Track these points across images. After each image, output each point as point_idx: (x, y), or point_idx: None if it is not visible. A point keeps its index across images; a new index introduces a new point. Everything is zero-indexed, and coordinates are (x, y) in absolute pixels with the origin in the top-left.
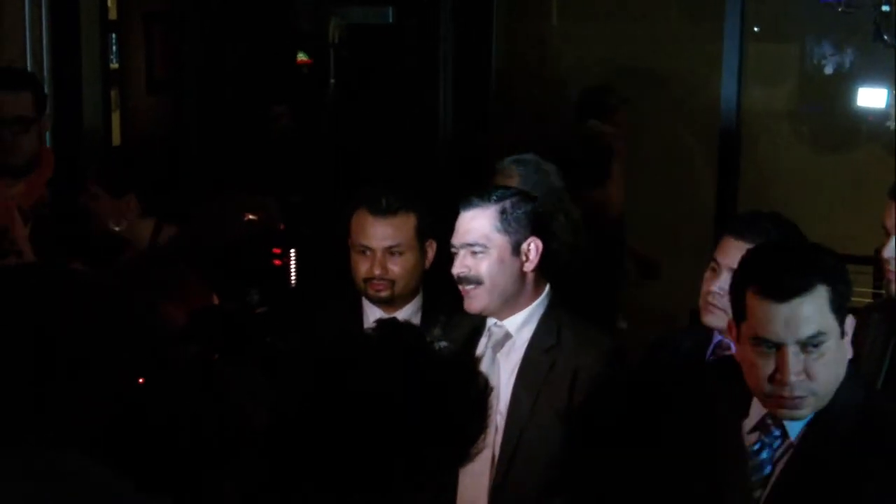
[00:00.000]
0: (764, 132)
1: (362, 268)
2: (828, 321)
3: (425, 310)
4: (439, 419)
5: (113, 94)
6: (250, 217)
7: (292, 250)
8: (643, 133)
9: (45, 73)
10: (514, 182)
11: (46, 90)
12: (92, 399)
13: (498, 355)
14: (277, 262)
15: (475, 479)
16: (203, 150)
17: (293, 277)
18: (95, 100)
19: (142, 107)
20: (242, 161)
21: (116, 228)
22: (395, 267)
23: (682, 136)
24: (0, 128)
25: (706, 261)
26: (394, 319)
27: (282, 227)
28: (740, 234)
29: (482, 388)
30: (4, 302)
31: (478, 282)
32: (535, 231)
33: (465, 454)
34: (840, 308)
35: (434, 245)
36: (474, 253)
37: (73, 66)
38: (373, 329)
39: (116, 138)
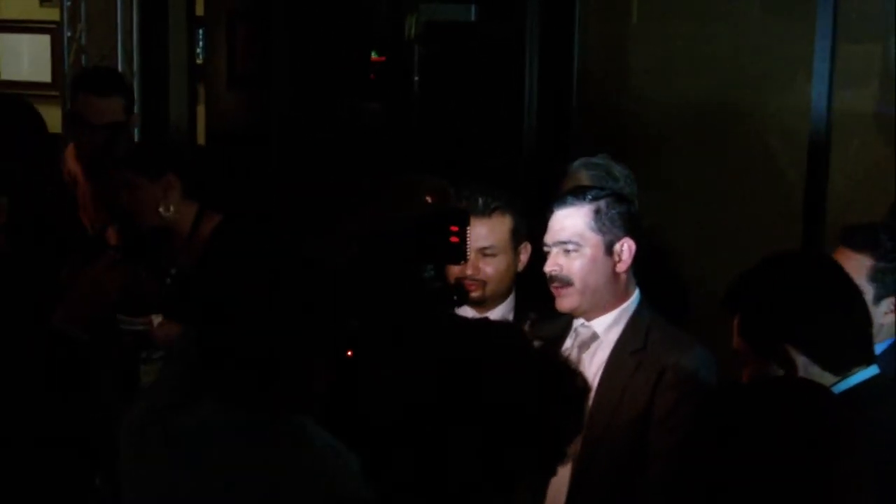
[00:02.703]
0: (848, 134)
1: (455, 267)
2: None
3: (517, 312)
4: (542, 421)
5: (199, 88)
6: (429, 198)
7: (468, 228)
8: (728, 136)
9: (135, 67)
10: None
11: (136, 84)
12: (319, 369)
13: (584, 355)
14: (455, 238)
15: (556, 478)
16: (285, 143)
17: (467, 254)
18: (181, 93)
19: (224, 101)
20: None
21: (165, 214)
22: (488, 268)
23: (770, 139)
24: (92, 132)
25: None
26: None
27: (457, 206)
28: (856, 246)
29: (581, 388)
30: (244, 283)
31: (569, 282)
32: (629, 232)
33: (560, 455)
34: None
35: (528, 248)
36: (567, 251)
37: (161, 60)
38: (492, 331)
39: (201, 132)
